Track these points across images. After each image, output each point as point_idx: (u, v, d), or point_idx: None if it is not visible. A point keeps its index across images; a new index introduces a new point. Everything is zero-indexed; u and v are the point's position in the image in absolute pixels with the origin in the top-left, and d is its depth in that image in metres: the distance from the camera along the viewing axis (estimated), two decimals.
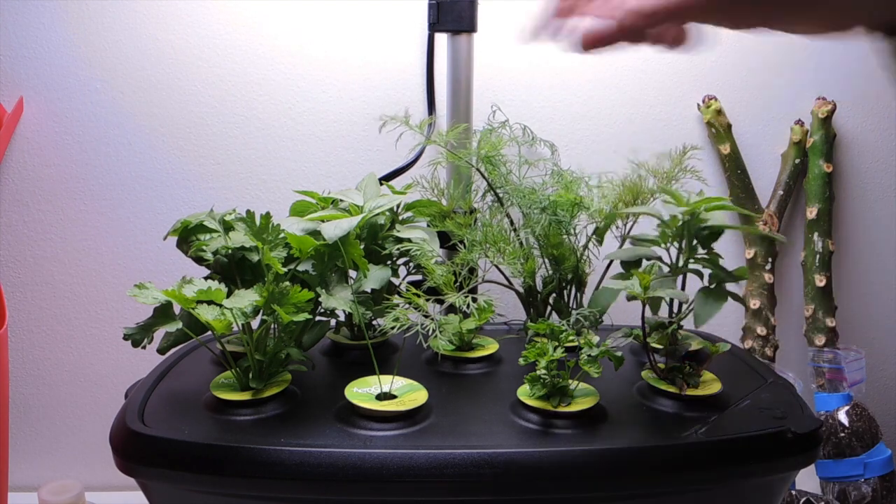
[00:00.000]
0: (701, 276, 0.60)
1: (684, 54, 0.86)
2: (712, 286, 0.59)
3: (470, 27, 0.74)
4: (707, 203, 0.57)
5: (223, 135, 0.84)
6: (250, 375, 0.52)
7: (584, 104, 0.86)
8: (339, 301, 0.52)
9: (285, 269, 0.52)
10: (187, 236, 0.55)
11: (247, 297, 0.48)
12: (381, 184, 0.66)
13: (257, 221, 0.54)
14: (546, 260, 0.67)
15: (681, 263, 0.59)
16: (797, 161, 0.85)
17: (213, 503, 0.47)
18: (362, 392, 0.51)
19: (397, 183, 0.72)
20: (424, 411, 0.51)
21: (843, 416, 0.79)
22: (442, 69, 0.79)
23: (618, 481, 0.46)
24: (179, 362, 0.61)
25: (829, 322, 0.84)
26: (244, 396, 0.51)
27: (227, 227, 0.55)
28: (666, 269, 0.59)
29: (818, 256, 0.84)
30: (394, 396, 0.51)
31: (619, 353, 0.52)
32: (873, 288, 0.90)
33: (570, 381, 0.52)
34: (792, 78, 0.86)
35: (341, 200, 0.61)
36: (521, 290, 0.68)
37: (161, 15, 0.81)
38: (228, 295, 0.49)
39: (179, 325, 0.51)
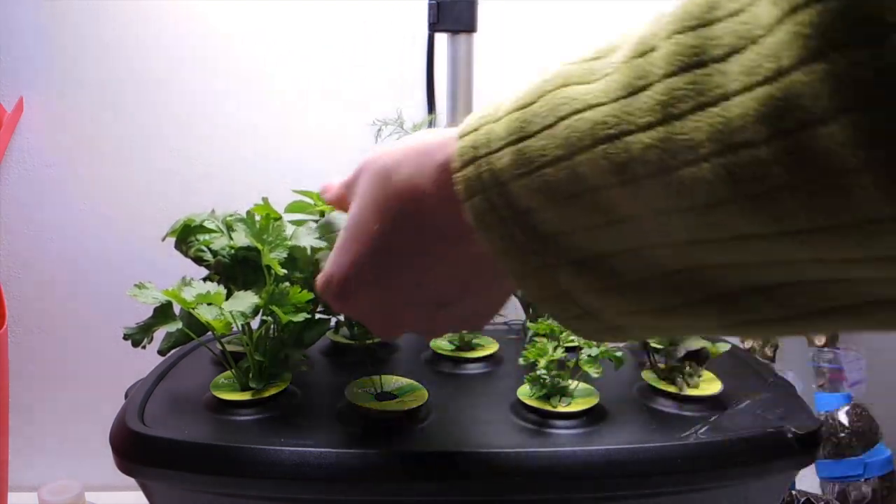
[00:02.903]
0: None
1: None
2: None
3: (470, 27, 0.74)
4: None
5: (223, 135, 0.84)
6: (250, 375, 0.52)
7: None
8: None
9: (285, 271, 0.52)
10: (186, 237, 0.55)
11: (246, 300, 0.48)
12: None
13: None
14: None
15: None
16: None
17: (212, 503, 0.47)
18: (362, 392, 0.51)
19: None
20: (424, 411, 0.51)
21: (843, 416, 0.79)
22: (442, 69, 0.79)
23: (618, 481, 0.46)
24: (179, 362, 0.61)
25: None
26: (244, 396, 0.51)
27: (228, 228, 0.55)
28: None
29: None
30: (394, 396, 0.51)
31: (619, 353, 0.52)
32: None
33: (570, 381, 0.52)
34: None
35: None
36: None
37: (161, 15, 0.81)
38: (228, 295, 0.49)
39: (179, 325, 0.51)
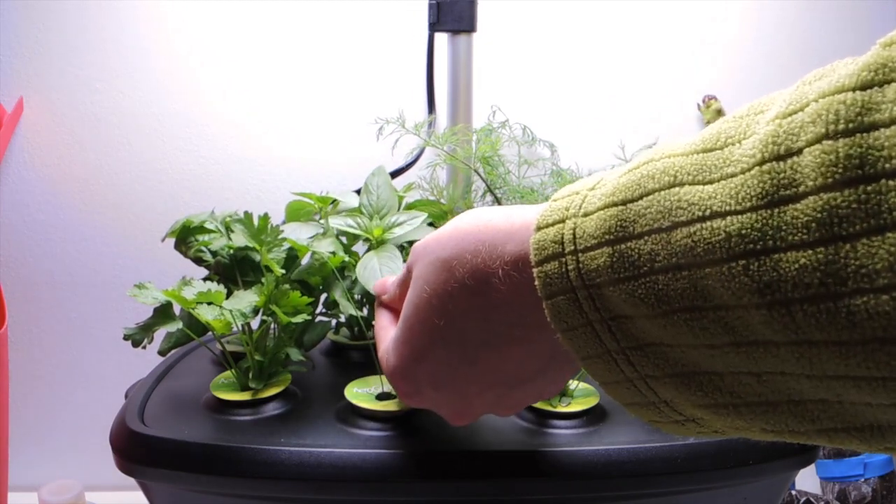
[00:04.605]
0: None
1: (684, 54, 0.86)
2: None
3: (470, 27, 0.74)
4: None
5: (223, 135, 0.84)
6: (250, 375, 0.52)
7: (584, 104, 0.86)
8: (345, 304, 0.52)
9: (283, 271, 0.52)
10: (186, 237, 0.56)
11: (245, 299, 0.48)
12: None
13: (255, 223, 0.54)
14: None
15: None
16: None
17: (212, 503, 0.47)
18: (362, 392, 0.51)
19: (397, 183, 0.72)
20: (425, 411, 0.51)
21: None
22: (442, 69, 0.79)
23: (618, 481, 0.46)
24: (179, 362, 0.61)
25: None
26: (244, 396, 0.51)
27: (227, 229, 0.55)
28: None
29: None
30: (394, 396, 0.51)
31: None
32: None
33: (571, 381, 0.52)
34: (793, 78, 0.86)
35: (341, 201, 0.61)
36: None
37: (161, 15, 0.81)
38: (228, 295, 0.49)
39: (180, 325, 0.51)
